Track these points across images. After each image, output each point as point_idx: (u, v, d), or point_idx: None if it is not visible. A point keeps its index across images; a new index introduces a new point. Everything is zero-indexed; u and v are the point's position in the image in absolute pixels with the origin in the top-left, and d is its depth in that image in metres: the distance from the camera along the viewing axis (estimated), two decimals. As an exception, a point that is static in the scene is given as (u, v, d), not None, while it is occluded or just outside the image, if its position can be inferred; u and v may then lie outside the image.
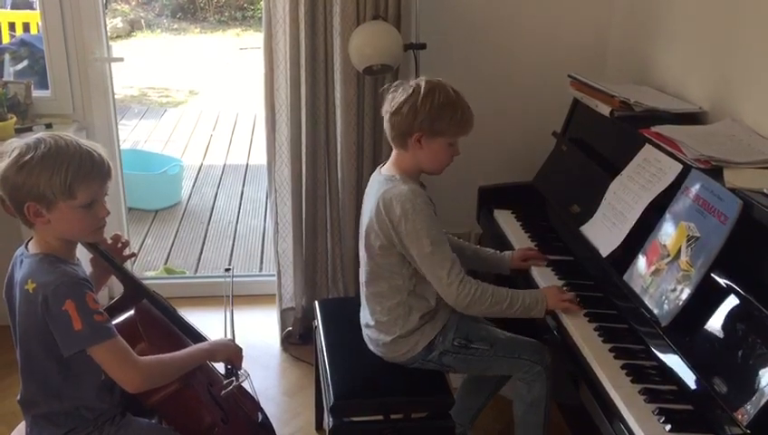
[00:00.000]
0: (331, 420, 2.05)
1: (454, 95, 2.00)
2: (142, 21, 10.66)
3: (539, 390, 2.10)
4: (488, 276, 2.49)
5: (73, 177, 1.58)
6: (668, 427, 1.51)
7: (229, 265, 4.35)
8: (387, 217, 1.98)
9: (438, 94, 1.97)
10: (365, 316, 2.17)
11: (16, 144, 1.60)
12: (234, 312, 2.06)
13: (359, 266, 3.02)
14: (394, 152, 2.09)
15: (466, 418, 2.38)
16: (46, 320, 1.57)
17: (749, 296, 1.54)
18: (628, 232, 2.00)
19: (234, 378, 1.91)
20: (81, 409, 1.69)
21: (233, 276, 2.16)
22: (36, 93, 3.10)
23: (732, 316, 1.56)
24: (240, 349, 1.94)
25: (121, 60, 3.20)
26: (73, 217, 1.61)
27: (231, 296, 2.08)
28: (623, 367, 1.73)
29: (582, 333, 1.88)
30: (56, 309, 1.56)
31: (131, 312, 1.80)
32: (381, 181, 2.05)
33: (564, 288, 2.09)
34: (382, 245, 2.01)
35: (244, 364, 1.96)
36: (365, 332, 2.18)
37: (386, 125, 2.05)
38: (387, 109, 2.03)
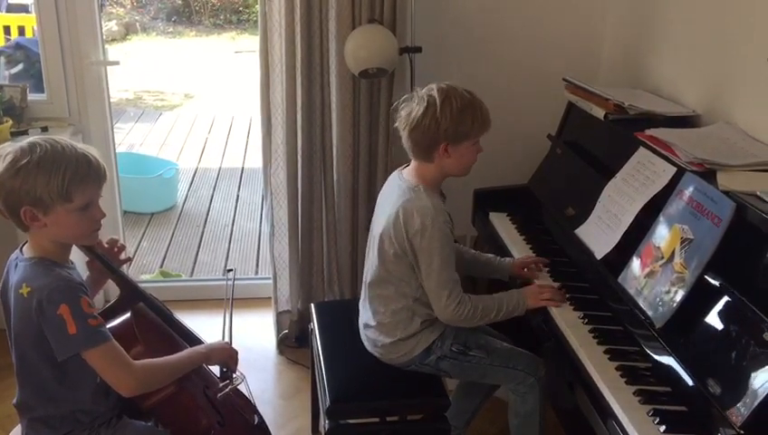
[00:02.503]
0: (327, 422, 2.05)
1: (469, 96, 1.99)
2: (137, 24, 10.66)
3: (532, 402, 2.11)
4: (483, 280, 2.50)
5: (71, 180, 1.58)
6: (663, 428, 1.52)
7: (226, 268, 4.35)
8: (404, 228, 1.98)
9: (455, 100, 1.95)
10: (366, 317, 2.17)
11: (10, 149, 1.59)
12: (233, 314, 2.06)
13: (355, 269, 3.04)
14: (415, 162, 2.07)
15: (462, 420, 2.38)
16: (41, 324, 1.57)
17: (743, 298, 1.55)
18: (622, 234, 2.01)
19: (230, 381, 1.92)
20: (77, 412, 1.69)
21: (234, 278, 2.15)
22: (32, 97, 3.10)
23: (725, 318, 1.57)
24: (236, 352, 1.94)
25: (117, 63, 3.21)
26: (70, 220, 1.61)
27: (231, 298, 2.07)
28: (618, 368, 1.74)
29: (577, 335, 1.89)
30: (51, 313, 1.56)
31: (128, 315, 1.80)
32: (404, 190, 2.03)
33: (556, 285, 2.12)
34: (396, 253, 2.02)
35: (239, 367, 1.96)
36: (364, 332, 2.18)
37: (406, 141, 2.02)
38: (404, 125, 2.00)
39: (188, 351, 1.84)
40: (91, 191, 1.63)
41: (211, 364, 1.93)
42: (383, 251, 2.05)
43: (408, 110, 2.00)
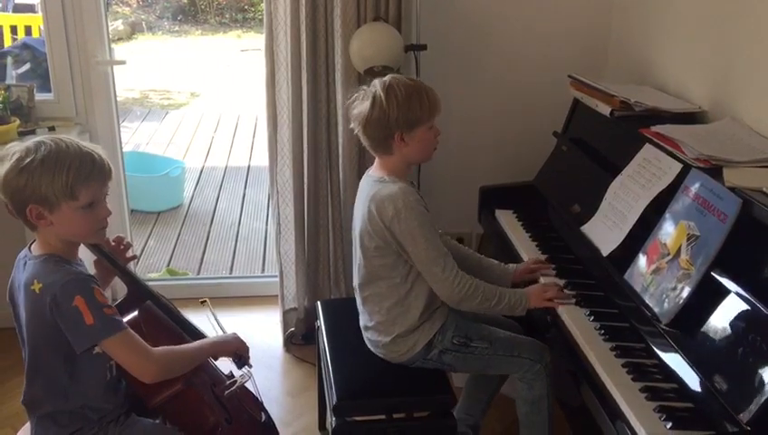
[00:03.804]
0: (333, 419, 2.05)
1: (412, 83, 2.02)
2: (143, 23, 10.67)
3: (540, 388, 2.11)
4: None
5: (75, 178, 1.59)
6: (669, 424, 1.52)
7: (231, 269, 4.36)
8: (379, 218, 1.99)
9: (398, 89, 1.98)
10: (363, 319, 2.19)
11: (16, 148, 1.61)
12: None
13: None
14: (378, 157, 2.10)
15: (477, 410, 2.39)
16: (56, 319, 1.58)
17: (749, 295, 1.54)
18: (628, 231, 2.01)
19: (237, 378, 1.92)
20: (86, 409, 1.70)
21: (210, 307, 2.13)
22: (39, 96, 3.11)
23: (732, 314, 1.57)
24: (245, 342, 1.94)
25: (123, 62, 3.21)
26: (75, 218, 1.62)
27: (217, 321, 2.06)
28: (624, 365, 1.74)
29: (584, 331, 1.89)
30: (66, 306, 1.57)
31: (135, 313, 1.81)
32: (371, 184, 2.07)
33: (564, 286, 2.12)
34: (378, 246, 2.03)
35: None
36: (365, 334, 2.19)
37: (363, 139, 2.06)
38: (357, 123, 2.04)
39: (199, 341, 1.86)
40: (95, 189, 1.64)
41: (222, 355, 1.92)
42: (365, 248, 2.06)
43: (359, 109, 2.03)
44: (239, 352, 1.92)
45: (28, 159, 1.57)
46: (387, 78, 2.03)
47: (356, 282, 2.18)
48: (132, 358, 1.63)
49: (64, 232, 1.65)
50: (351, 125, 2.09)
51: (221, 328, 2.03)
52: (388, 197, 1.99)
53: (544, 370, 2.10)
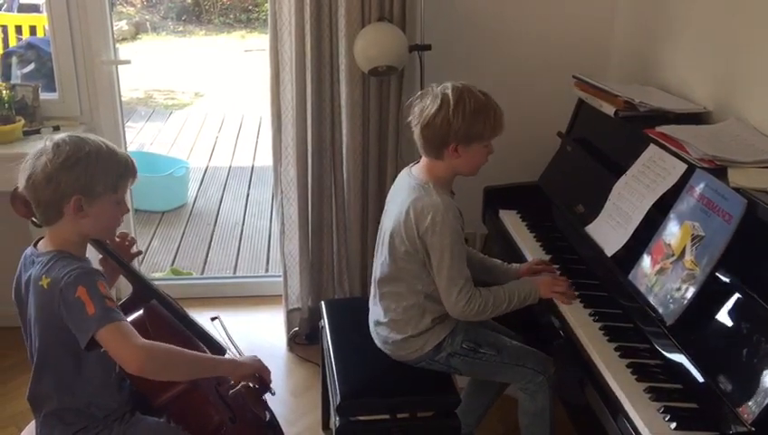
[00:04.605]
0: (337, 419, 2.06)
1: (484, 99, 1.98)
2: (147, 23, 10.69)
3: (542, 400, 2.11)
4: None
5: (122, 173, 1.71)
6: (673, 425, 1.52)
7: (235, 269, 4.37)
8: (415, 225, 1.98)
9: (469, 101, 1.94)
10: (376, 314, 2.18)
11: (50, 144, 1.65)
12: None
13: (365, 266, 3.05)
14: (426, 159, 2.07)
15: (472, 418, 2.39)
16: (62, 313, 1.59)
17: (754, 295, 1.54)
18: (632, 232, 2.01)
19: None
20: (92, 407, 1.71)
21: (222, 324, 2.10)
22: (44, 96, 3.11)
23: (736, 315, 1.57)
24: (266, 366, 1.91)
25: (128, 62, 3.21)
26: (109, 211, 1.70)
27: (230, 338, 2.04)
28: (628, 366, 1.74)
29: (588, 332, 1.89)
30: (71, 297, 1.57)
31: (140, 311, 1.81)
32: (413, 187, 2.04)
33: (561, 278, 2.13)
34: (407, 251, 2.02)
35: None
36: (374, 329, 2.19)
37: (417, 138, 2.03)
38: (416, 121, 2.01)
39: (216, 356, 1.86)
40: (128, 187, 1.75)
41: (241, 377, 1.86)
42: (394, 248, 2.05)
43: (422, 106, 1.99)
44: (260, 372, 1.88)
45: (82, 153, 1.64)
46: (460, 85, 1.98)
47: (376, 276, 2.17)
48: (120, 345, 1.59)
49: (95, 225, 1.69)
50: (409, 119, 2.05)
51: (234, 346, 2.02)
52: (430, 206, 1.97)
53: (547, 382, 2.10)
